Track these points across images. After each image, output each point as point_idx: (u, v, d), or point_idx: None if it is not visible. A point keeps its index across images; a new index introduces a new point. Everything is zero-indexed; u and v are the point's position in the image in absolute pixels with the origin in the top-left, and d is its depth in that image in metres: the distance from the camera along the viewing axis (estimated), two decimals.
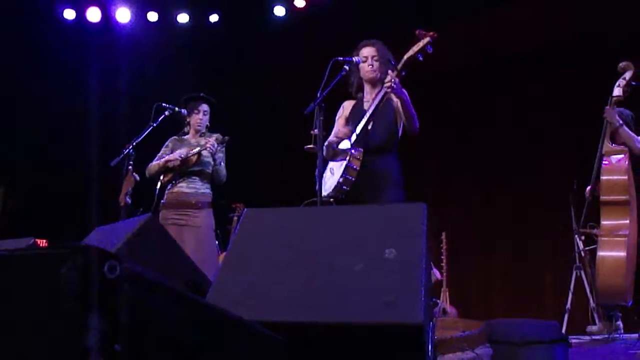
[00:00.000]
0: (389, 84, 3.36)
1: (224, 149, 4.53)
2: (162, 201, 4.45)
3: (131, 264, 0.97)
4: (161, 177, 4.48)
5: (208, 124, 4.66)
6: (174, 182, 4.43)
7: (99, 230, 3.00)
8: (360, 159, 3.44)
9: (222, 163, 4.45)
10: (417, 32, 3.45)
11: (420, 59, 3.47)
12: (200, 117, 4.58)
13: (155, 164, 4.50)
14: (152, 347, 1.02)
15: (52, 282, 0.92)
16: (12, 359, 0.96)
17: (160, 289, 1.07)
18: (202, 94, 4.65)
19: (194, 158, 4.38)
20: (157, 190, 4.47)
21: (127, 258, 0.98)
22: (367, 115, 3.50)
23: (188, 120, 4.63)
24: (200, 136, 4.59)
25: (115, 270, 0.94)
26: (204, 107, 4.61)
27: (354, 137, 3.50)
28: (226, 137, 4.45)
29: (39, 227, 5.66)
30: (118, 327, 0.93)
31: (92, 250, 0.93)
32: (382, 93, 3.46)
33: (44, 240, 5.04)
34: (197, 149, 4.37)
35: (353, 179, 3.41)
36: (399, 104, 3.55)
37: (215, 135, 4.47)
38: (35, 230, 4.86)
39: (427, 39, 3.41)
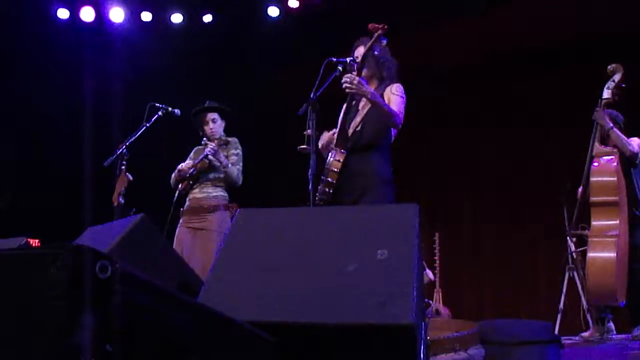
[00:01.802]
0: (345, 84, 3.38)
1: (238, 151, 4.58)
2: (182, 209, 4.52)
3: (123, 264, 0.97)
4: (179, 186, 4.53)
5: (223, 125, 4.69)
6: (190, 189, 4.49)
7: (92, 230, 2.99)
8: (341, 160, 3.46)
9: (230, 165, 4.47)
10: (369, 26, 3.51)
11: (377, 52, 3.54)
12: (211, 126, 4.62)
13: (173, 174, 4.57)
14: (143, 346, 1.03)
15: (43, 281, 0.92)
16: (3, 358, 0.96)
17: (152, 289, 1.07)
18: (206, 105, 4.66)
19: (200, 164, 4.46)
20: (175, 199, 4.51)
21: (119, 258, 0.98)
22: (341, 117, 3.56)
23: (201, 133, 4.66)
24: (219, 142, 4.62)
25: (107, 271, 0.94)
26: (211, 115, 4.64)
27: (334, 139, 3.53)
28: (227, 139, 4.53)
29: (32, 227, 5.65)
30: (109, 326, 0.93)
31: (83, 250, 0.93)
32: (356, 97, 3.52)
33: (37, 240, 5.03)
34: (202, 154, 4.43)
35: (334, 181, 3.42)
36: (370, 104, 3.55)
37: (218, 138, 4.52)
38: (28, 230, 4.84)
39: (378, 32, 3.46)
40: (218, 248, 4.29)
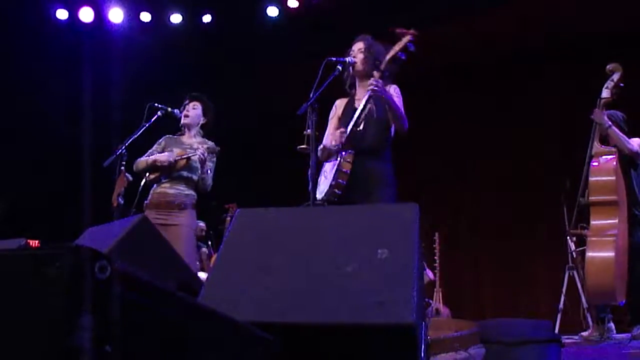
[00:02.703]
0: (371, 87, 3.36)
1: (214, 159, 4.51)
2: (145, 201, 4.43)
3: (122, 264, 0.97)
4: (147, 175, 4.46)
5: (201, 120, 4.63)
6: (159, 182, 4.42)
7: (92, 230, 2.99)
8: (351, 161, 3.43)
9: (209, 172, 4.40)
10: (397, 30, 3.44)
11: (403, 57, 3.46)
12: (187, 111, 4.58)
13: (143, 160, 4.47)
14: (143, 347, 1.02)
15: (43, 282, 0.92)
16: (2, 358, 0.96)
17: (152, 289, 1.06)
18: (189, 94, 4.65)
19: (182, 162, 4.37)
20: (141, 187, 4.44)
21: (119, 258, 0.98)
22: (354, 118, 3.50)
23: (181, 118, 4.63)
24: (194, 136, 4.56)
25: (106, 271, 0.94)
26: (192, 104, 4.61)
27: (344, 139, 3.50)
28: (217, 148, 4.45)
29: (32, 228, 5.66)
30: (109, 327, 0.93)
31: (82, 250, 0.93)
32: (367, 96, 3.46)
33: (36, 241, 5.03)
34: (187, 154, 4.35)
35: (345, 182, 3.40)
36: (388, 108, 3.53)
37: (208, 144, 4.45)
38: (28, 231, 4.85)
39: (407, 37, 3.40)
40: (188, 242, 4.26)
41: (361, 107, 3.49)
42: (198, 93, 4.68)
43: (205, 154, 4.28)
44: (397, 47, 3.44)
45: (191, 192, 4.42)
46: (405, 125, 3.53)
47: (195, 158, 4.30)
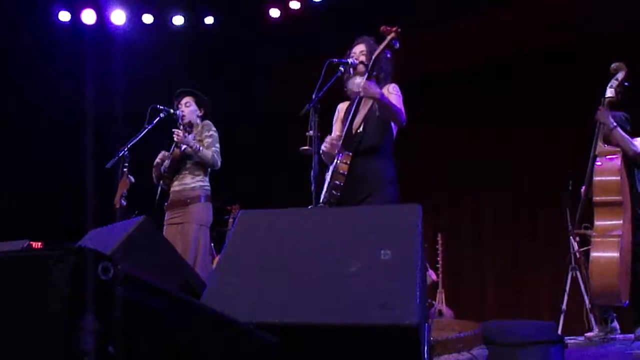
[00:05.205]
0: (358, 89, 3.38)
1: (211, 132, 4.46)
2: (165, 203, 4.45)
3: (125, 265, 0.97)
4: (161, 183, 4.49)
5: (199, 113, 4.63)
6: (171, 184, 4.43)
7: (94, 232, 2.99)
8: (348, 163, 3.43)
9: (202, 149, 4.33)
10: (381, 28, 3.48)
11: (389, 55, 3.53)
12: (182, 109, 4.58)
13: (153, 172, 4.52)
14: (145, 348, 1.02)
15: (45, 283, 0.92)
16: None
17: (154, 291, 1.06)
18: (178, 91, 4.67)
19: (173, 155, 4.39)
20: (157, 196, 4.46)
21: (122, 260, 0.98)
22: (348, 119, 3.51)
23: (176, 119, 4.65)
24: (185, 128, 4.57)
25: (109, 272, 0.94)
26: (185, 99, 4.62)
27: (340, 141, 3.51)
28: (198, 122, 4.49)
29: (34, 230, 5.66)
30: (112, 328, 0.93)
31: (85, 251, 0.93)
32: (357, 99, 3.48)
33: (39, 243, 5.03)
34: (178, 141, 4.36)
35: (341, 184, 3.40)
36: (378, 105, 3.54)
37: (186, 123, 4.48)
38: (31, 233, 4.85)
39: (391, 35, 3.44)
40: (195, 240, 4.26)
41: (352, 110, 3.51)
42: (186, 88, 4.68)
43: (181, 134, 4.28)
44: (381, 45, 3.47)
45: (198, 183, 4.39)
46: (402, 118, 3.53)
47: (180, 143, 4.31)
